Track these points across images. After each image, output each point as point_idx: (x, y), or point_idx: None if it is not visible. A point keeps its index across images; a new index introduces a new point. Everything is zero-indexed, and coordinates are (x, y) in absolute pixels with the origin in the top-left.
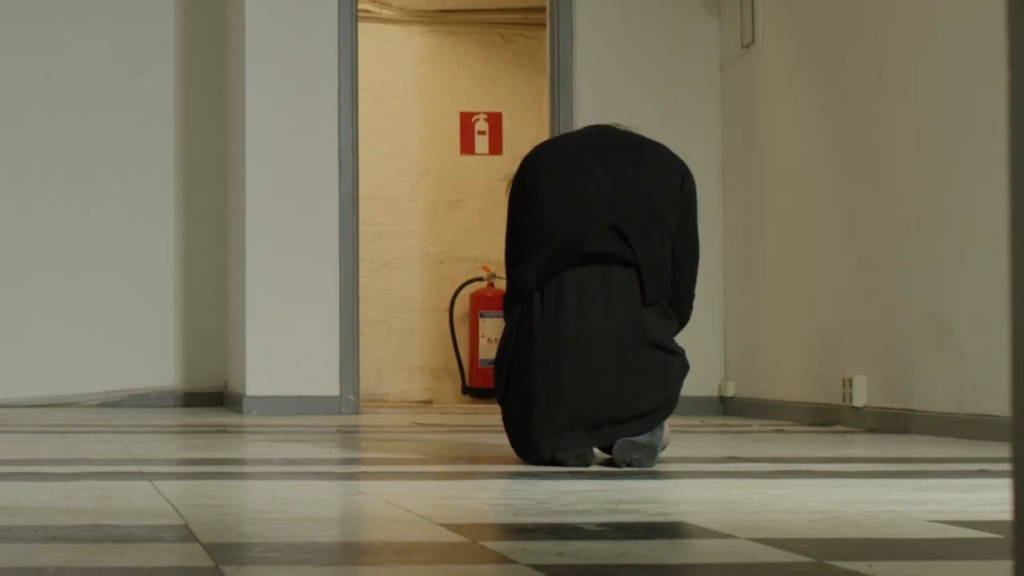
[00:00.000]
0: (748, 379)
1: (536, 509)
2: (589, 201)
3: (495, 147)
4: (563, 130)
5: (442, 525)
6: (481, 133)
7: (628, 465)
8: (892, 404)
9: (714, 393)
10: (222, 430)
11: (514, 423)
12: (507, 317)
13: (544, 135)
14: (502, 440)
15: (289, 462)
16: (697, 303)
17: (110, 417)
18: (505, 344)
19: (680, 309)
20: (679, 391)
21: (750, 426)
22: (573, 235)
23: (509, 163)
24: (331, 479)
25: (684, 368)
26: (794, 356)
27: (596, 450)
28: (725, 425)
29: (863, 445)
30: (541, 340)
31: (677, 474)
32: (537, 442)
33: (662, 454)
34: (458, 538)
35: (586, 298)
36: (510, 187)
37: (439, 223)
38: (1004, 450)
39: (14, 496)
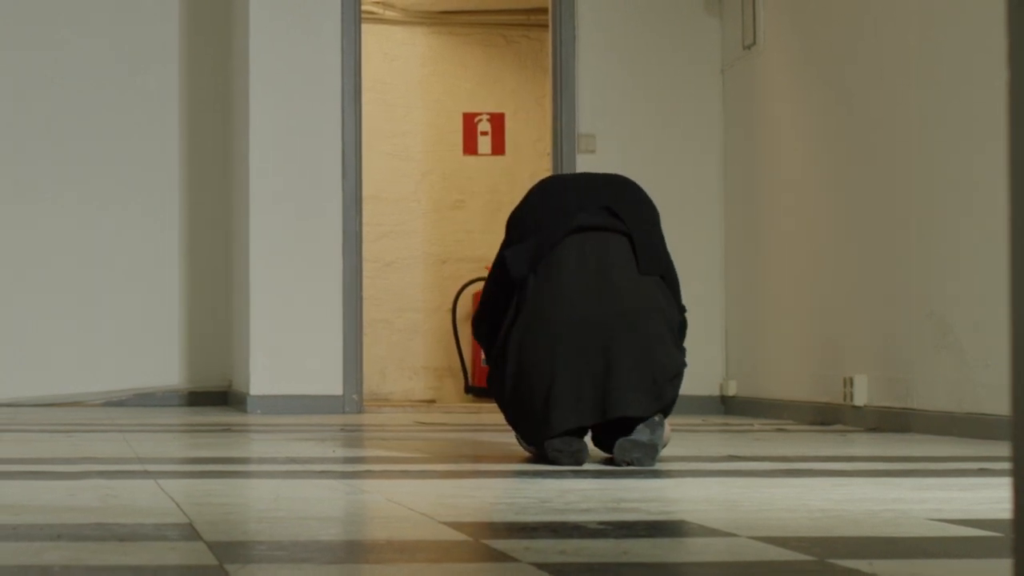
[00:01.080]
0: (749, 378)
1: (538, 508)
2: (580, 196)
3: (498, 148)
4: (565, 130)
5: (445, 523)
6: (484, 134)
7: (629, 464)
8: (892, 403)
9: (715, 392)
10: (226, 429)
11: (519, 402)
12: (480, 335)
13: (546, 136)
14: (504, 439)
15: (293, 461)
16: (699, 303)
17: (115, 416)
18: (504, 331)
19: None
20: (678, 388)
21: (751, 425)
22: (564, 218)
23: (511, 164)
24: (334, 478)
25: (682, 365)
26: (795, 355)
27: (597, 450)
28: (726, 424)
29: (864, 444)
30: (541, 313)
31: (678, 473)
32: (547, 415)
33: (663, 453)
34: (461, 536)
35: (583, 262)
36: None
37: (442, 223)
38: (1004, 449)
39: (20, 495)
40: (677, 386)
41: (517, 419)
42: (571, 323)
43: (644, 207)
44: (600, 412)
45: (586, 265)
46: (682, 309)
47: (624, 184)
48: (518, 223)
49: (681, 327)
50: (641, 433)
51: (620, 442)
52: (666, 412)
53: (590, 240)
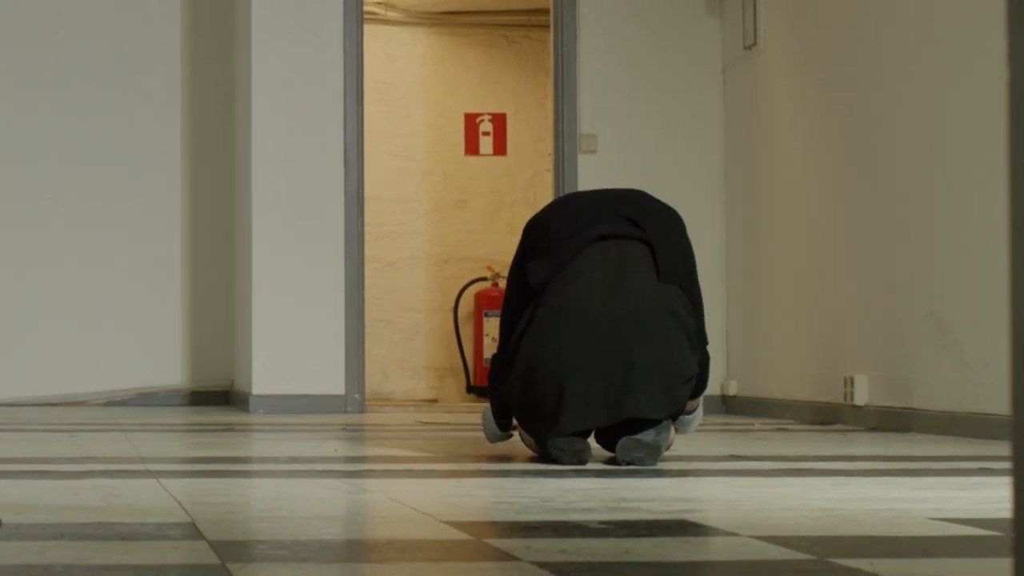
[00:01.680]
0: (750, 378)
1: (539, 507)
2: (600, 208)
3: (499, 148)
4: (566, 130)
5: (446, 523)
6: (485, 134)
7: (630, 464)
8: (893, 403)
9: (716, 392)
10: (228, 429)
11: (528, 401)
12: (496, 379)
13: (548, 136)
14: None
15: (295, 460)
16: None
17: (117, 416)
18: (518, 333)
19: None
20: (687, 395)
21: (752, 424)
22: (585, 227)
23: (512, 164)
24: (336, 477)
25: (695, 370)
26: (796, 355)
27: (599, 449)
28: (727, 424)
29: (864, 443)
30: (556, 314)
31: (679, 472)
32: (557, 416)
33: (664, 453)
34: (462, 536)
35: (604, 269)
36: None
37: (443, 223)
38: (1004, 449)
39: (22, 494)
40: (688, 391)
41: (525, 418)
42: (585, 324)
43: (666, 219)
44: (613, 413)
45: (605, 269)
46: (703, 340)
47: (645, 198)
48: (539, 239)
49: (703, 362)
50: (646, 434)
51: (623, 441)
52: (675, 417)
53: (611, 247)
